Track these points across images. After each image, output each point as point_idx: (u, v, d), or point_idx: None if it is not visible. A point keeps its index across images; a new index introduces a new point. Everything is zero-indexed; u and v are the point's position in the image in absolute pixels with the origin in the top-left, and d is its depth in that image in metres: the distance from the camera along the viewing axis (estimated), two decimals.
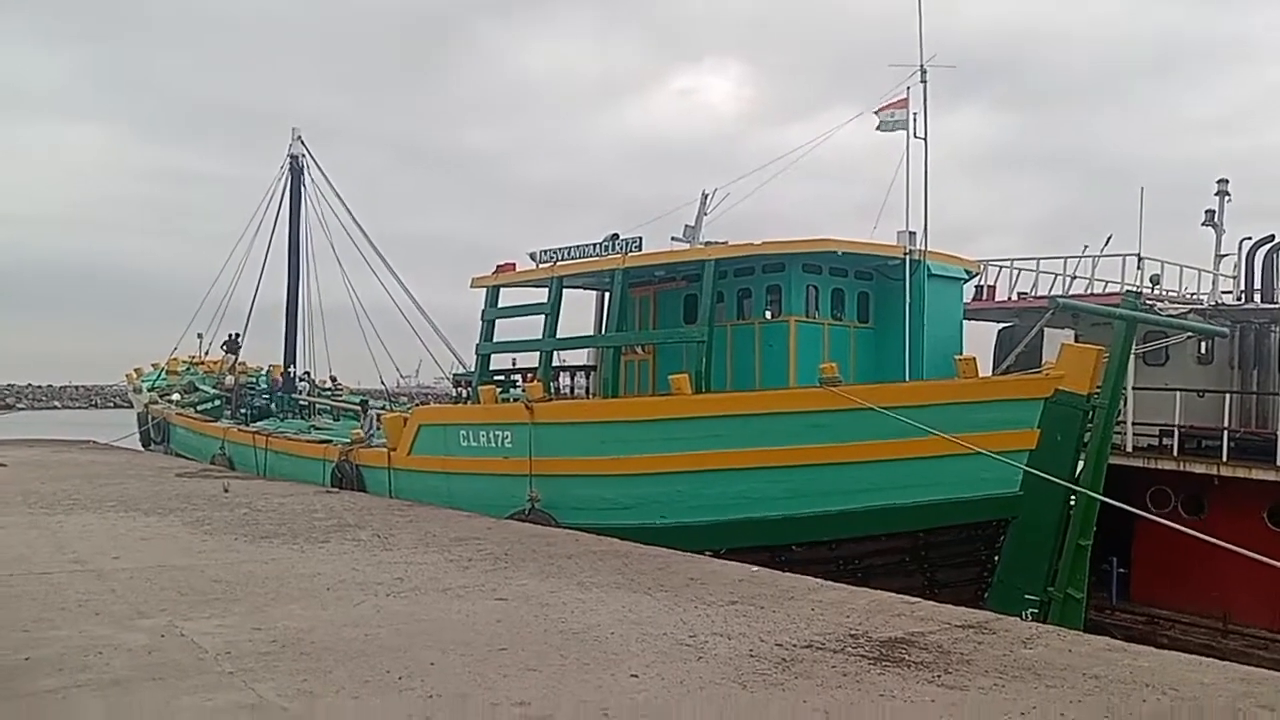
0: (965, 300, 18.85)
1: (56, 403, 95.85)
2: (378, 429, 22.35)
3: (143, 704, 6.00)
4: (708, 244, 18.05)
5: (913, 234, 16.50)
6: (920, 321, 16.28)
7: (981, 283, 23.28)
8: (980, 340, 22.26)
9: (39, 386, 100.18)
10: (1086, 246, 24.12)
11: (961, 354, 14.99)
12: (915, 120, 16.57)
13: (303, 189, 32.05)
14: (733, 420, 14.64)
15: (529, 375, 19.40)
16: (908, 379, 15.75)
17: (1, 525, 13.04)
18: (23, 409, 69.46)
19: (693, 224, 19.73)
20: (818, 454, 13.90)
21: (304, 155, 32.21)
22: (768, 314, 16.94)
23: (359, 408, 26.21)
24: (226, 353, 33.56)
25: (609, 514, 15.44)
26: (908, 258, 16.25)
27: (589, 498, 15.92)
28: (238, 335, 33.09)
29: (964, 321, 18.12)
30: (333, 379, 33.24)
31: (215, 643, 7.52)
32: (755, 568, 11.20)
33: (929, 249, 16.51)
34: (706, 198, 19.71)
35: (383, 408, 27.47)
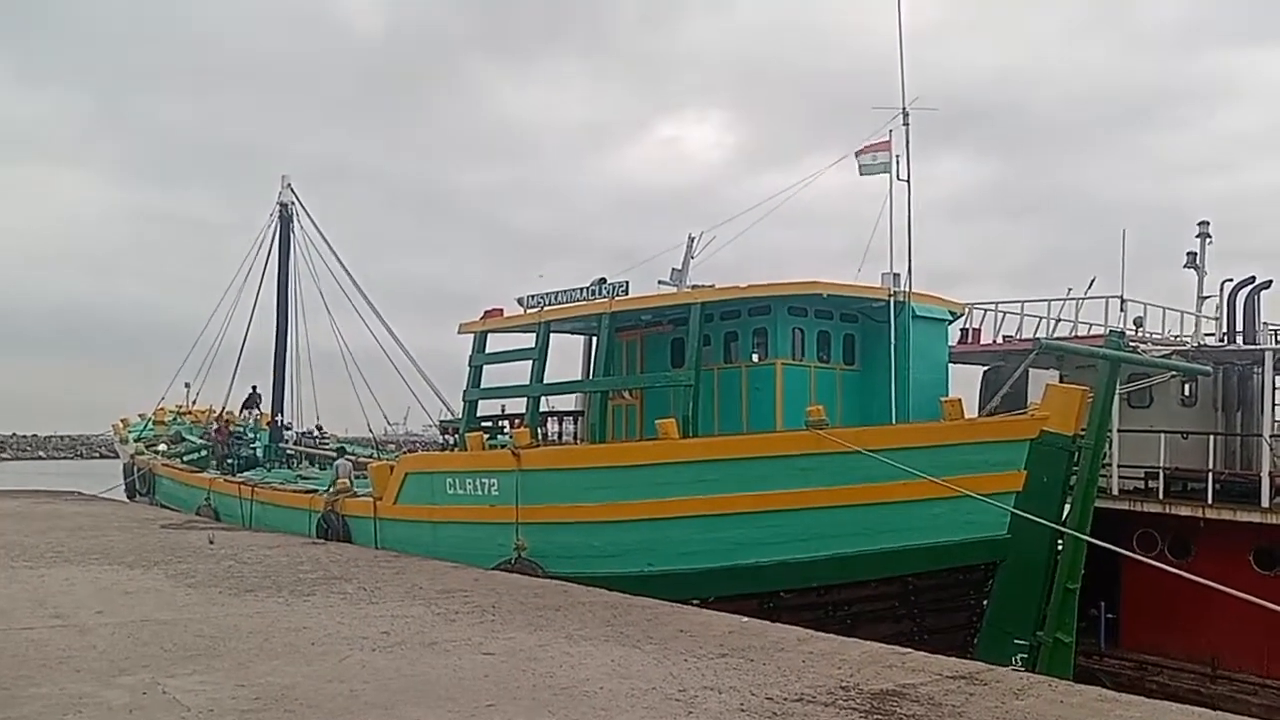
0: (951, 342, 18.94)
1: (41, 452, 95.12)
2: (356, 477, 22.20)
3: None
4: (694, 287, 18.13)
5: (897, 275, 16.59)
6: (906, 363, 16.32)
7: (967, 325, 23.41)
8: (966, 382, 22.37)
9: (24, 436, 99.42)
10: (1070, 289, 24.32)
11: (947, 395, 15.05)
12: (898, 162, 16.73)
13: (291, 236, 32.12)
14: (720, 465, 14.62)
15: (516, 421, 19.36)
16: (894, 421, 15.78)
17: None
18: (7, 459, 68.93)
19: (679, 267, 19.81)
20: (805, 498, 13.88)
21: (293, 203, 32.31)
22: (754, 357, 16.99)
23: (335, 455, 26.04)
24: (244, 408, 33.47)
25: (596, 562, 15.34)
26: (892, 299, 16.33)
27: (576, 545, 15.82)
28: (256, 388, 33.13)
29: (950, 364, 18.19)
30: (318, 428, 33.09)
31: (198, 700, 7.42)
32: (745, 618, 11.13)
33: (914, 290, 16.61)
34: (693, 241, 19.82)
35: (370, 456, 27.34)
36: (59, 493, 32.91)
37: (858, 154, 17.39)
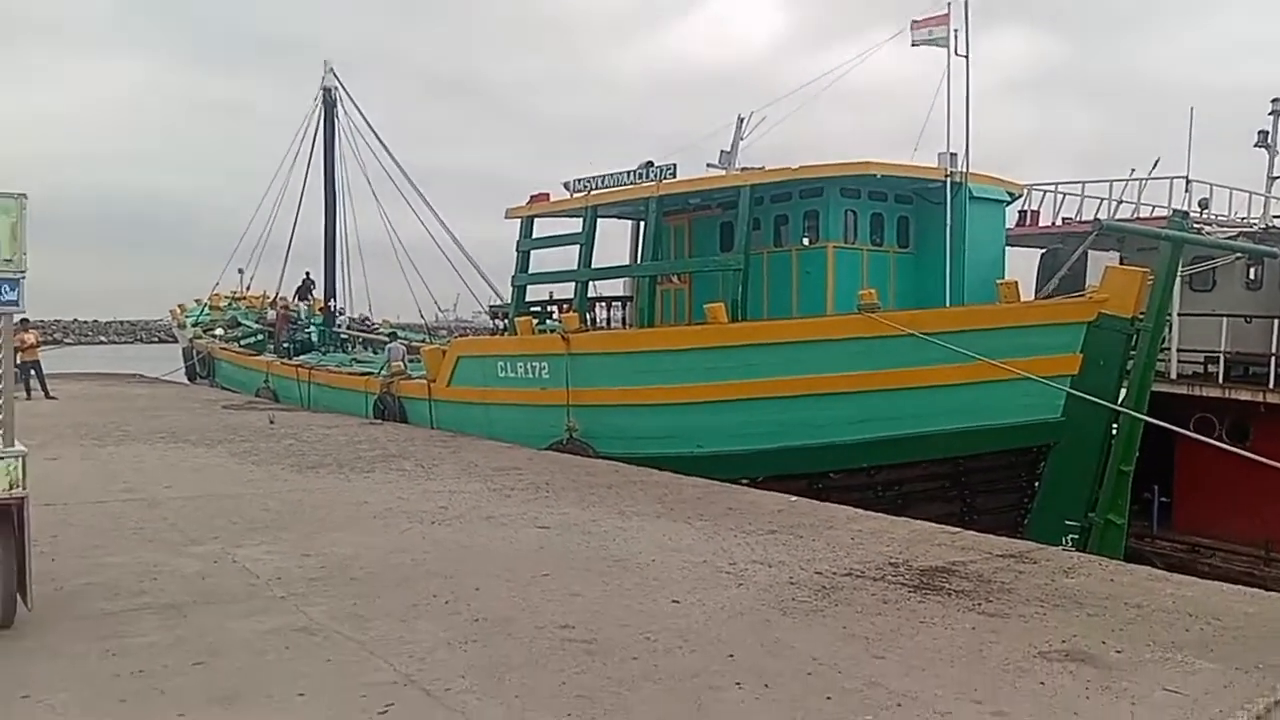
0: (1008, 225, 18.49)
1: (102, 337, 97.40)
2: (411, 361, 22.52)
3: (198, 626, 6.18)
4: (744, 170, 17.79)
5: (954, 156, 16.11)
6: (961, 245, 16.00)
7: (1025, 207, 22.82)
8: (1023, 266, 21.85)
9: (85, 322, 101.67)
10: (1133, 170, 23.52)
11: (1003, 278, 14.77)
12: (956, 37, 16.08)
13: (336, 122, 31.93)
14: (770, 348, 14.57)
15: (565, 306, 19.40)
16: (948, 304, 15.56)
17: (55, 456, 13.36)
18: (70, 343, 70.79)
19: (728, 150, 19.41)
20: (856, 381, 13.83)
21: (337, 88, 32.03)
22: (805, 240, 16.74)
23: (387, 339, 26.37)
24: (298, 295, 33.84)
25: (646, 443, 15.52)
26: (948, 180, 15.90)
27: (626, 427, 16.00)
28: (309, 274, 33.47)
29: (1006, 246, 17.79)
30: (365, 317, 33.43)
31: (266, 568, 7.71)
32: (794, 497, 11.26)
33: (970, 171, 16.16)
34: (742, 122, 19.34)
35: (422, 340, 27.67)
36: (122, 375, 33.86)
37: (913, 27, 16.74)
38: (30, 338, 24.10)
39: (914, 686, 5.25)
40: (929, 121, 16.61)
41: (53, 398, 23.52)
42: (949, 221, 15.84)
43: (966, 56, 15.97)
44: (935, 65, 16.36)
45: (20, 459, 6.07)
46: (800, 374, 14.13)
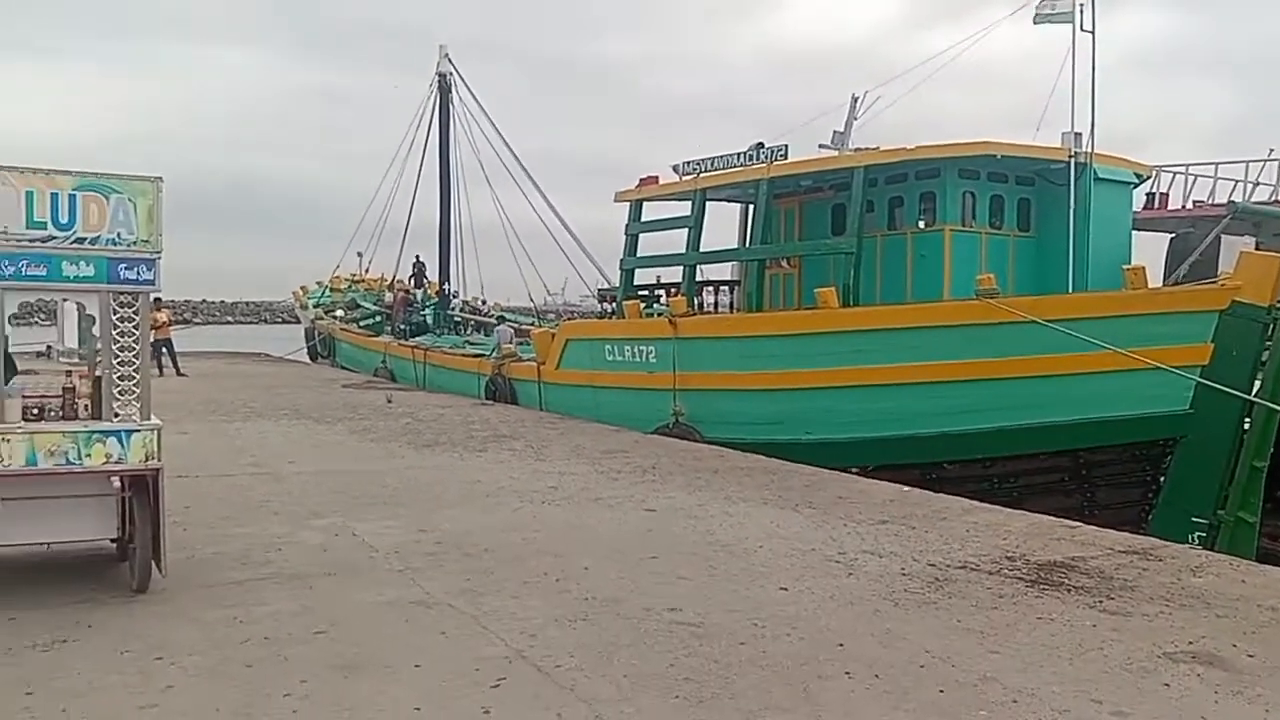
0: (1135, 208, 17.72)
1: (229, 318, 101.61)
2: (517, 343, 22.88)
3: (320, 597, 6.42)
4: (857, 151, 17.45)
5: (1078, 135, 15.48)
6: (1086, 229, 15.38)
7: (1153, 189, 21.85)
8: (1151, 251, 20.97)
9: (212, 302, 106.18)
10: (1271, 150, 22.29)
11: (1130, 264, 14.17)
12: (1081, 12, 15.44)
13: (450, 107, 32.50)
14: (883, 334, 14.29)
15: (673, 290, 19.40)
16: (1071, 290, 15.01)
17: (186, 431, 14.01)
18: (199, 323, 74.16)
19: (841, 130, 19.06)
20: (973, 369, 13.46)
21: (451, 73, 32.57)
22: (921, 223, 16.33)
23: (496, 323, 26.79)
24: (413, 277, 34.72)
25: (754, 429, 15.43)
26: (1073, 160, 15.29)
27: (733, 412, 15.92)
28: (419, 257, 34.32)
29: (1134, 230, 17.06)
30: (473, 298, 34.04)
31: (384, 542, 7.96)
32: (906, 487, 11.06)
33: (1096, 151, 15.52)
34: (856, 101, 18.93)
35: (531, 323, 28.06)
36: (248, 354, 35.31)
37: (1038, 3, 16.13)
38: (163, 316, 25.24)
39: (1030, 683, 5.11)
40: (1052, 100, 16.03)
41: (183, 375, 24.66)
42: (1072, 204, 15.25)
43: (1093, 32, 15.32)
44: (1057, 42, 15.75)
45: (156, 432, 6.39)
46: (914, 361, 13.83)
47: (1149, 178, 18.92)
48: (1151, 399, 12.46)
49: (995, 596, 6.69)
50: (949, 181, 15.76)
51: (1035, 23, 16.06)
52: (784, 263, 18.42)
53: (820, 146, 18.86)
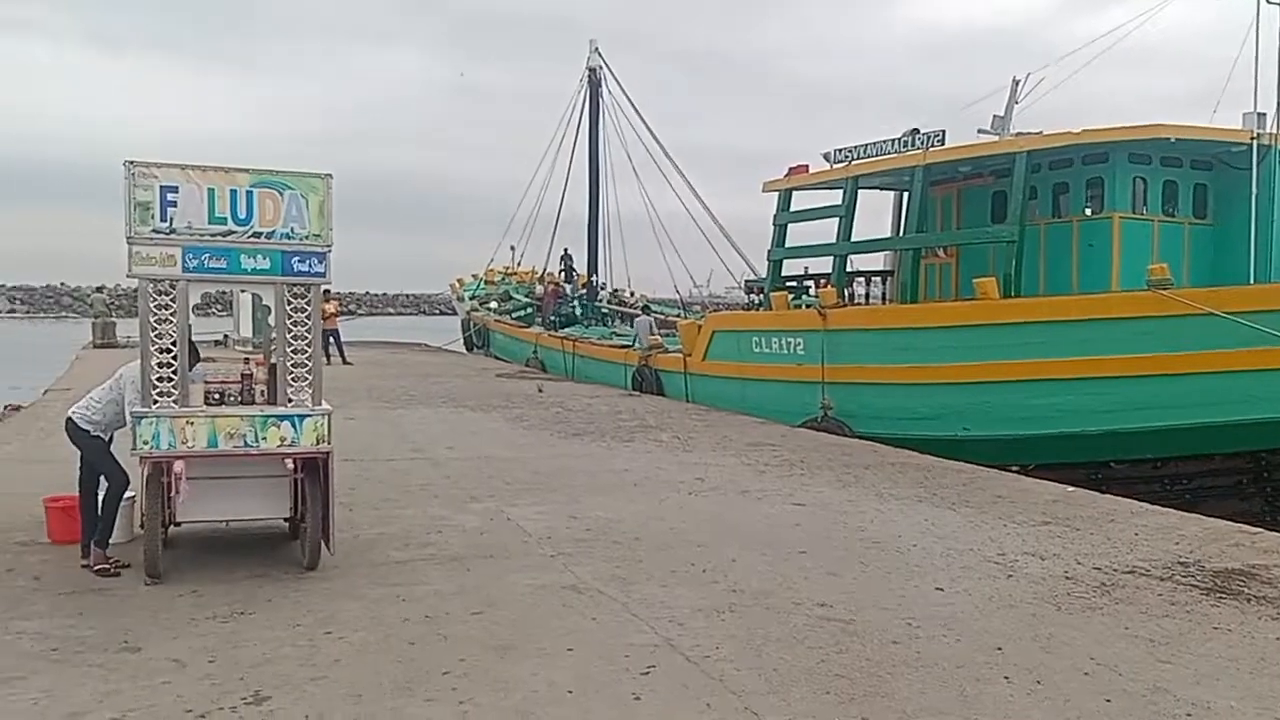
0: None
1: (390, 309, 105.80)
2: (664, 335, 22.98)
3: (478, 578, 6.62)
4: (1019, 135, 16.78)
5: (1262, 116, 14.46)
6: (1270, 216, 14.38)
7: None
8: None
9: (375, 294, 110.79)
10: None
11: None
12: None
13: (600, 101, 32.86)
14: (1047, 327, 13.71)
15: (822, 281, 19.12)
16: (1253, 281, 14.05)
17: (352, 416, 14.66)
18: (362, 314, 77.46)
19: (1001, 114, 18.34)
20: (1144, 364, 12.77)
21: (601, 68, 32.91)
22: (1087, 210, 15.58)
23: (640, 313, 26.91)
24: (562, 270, 35.45)
25: (907, 424, 15.06)
26: (1255, 143, 14.30)
27: (885, 407, 15.59)
28: (567, 250, 35.02)
29: None
30: (617, 290, 34.34)
31: (537, 527, 8.15)
32: (1070, 488, 10.59)
33: None
34: (1018, 85, 18.16)
35: (677, 315, 28.16)
36: (409, 344, 36.71)
37: None
38: (330, 308, 26.44)
39: (1205, 696, 4.82)
40: (1231, 79, 15.00)
41: (349, 363, 25.83)
42: (1255, 189, 14.25)
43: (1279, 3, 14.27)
44: (1237, 17, 14.71)
45: (326, 417, 6.71)
46: (1080, 355, 13.23)
47: None
48: None
49: (1167, 604, 6.34)
50: (1118, 166, 14.98)
51: None
52: (940, 252, 17.91)
53: (979, 132, 18.21)
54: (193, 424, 6.43)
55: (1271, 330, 11.58)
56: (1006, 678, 5.05)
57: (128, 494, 6.98)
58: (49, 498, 7.51)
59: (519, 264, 38.75)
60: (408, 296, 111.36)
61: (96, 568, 6.58)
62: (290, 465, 6.77)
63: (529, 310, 34.19)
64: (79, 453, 6.94)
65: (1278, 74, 14.17)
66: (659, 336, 22.96)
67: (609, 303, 32.96)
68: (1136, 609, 6.23)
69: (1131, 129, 14.63)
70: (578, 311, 32.48)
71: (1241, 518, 9.71)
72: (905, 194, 18.12)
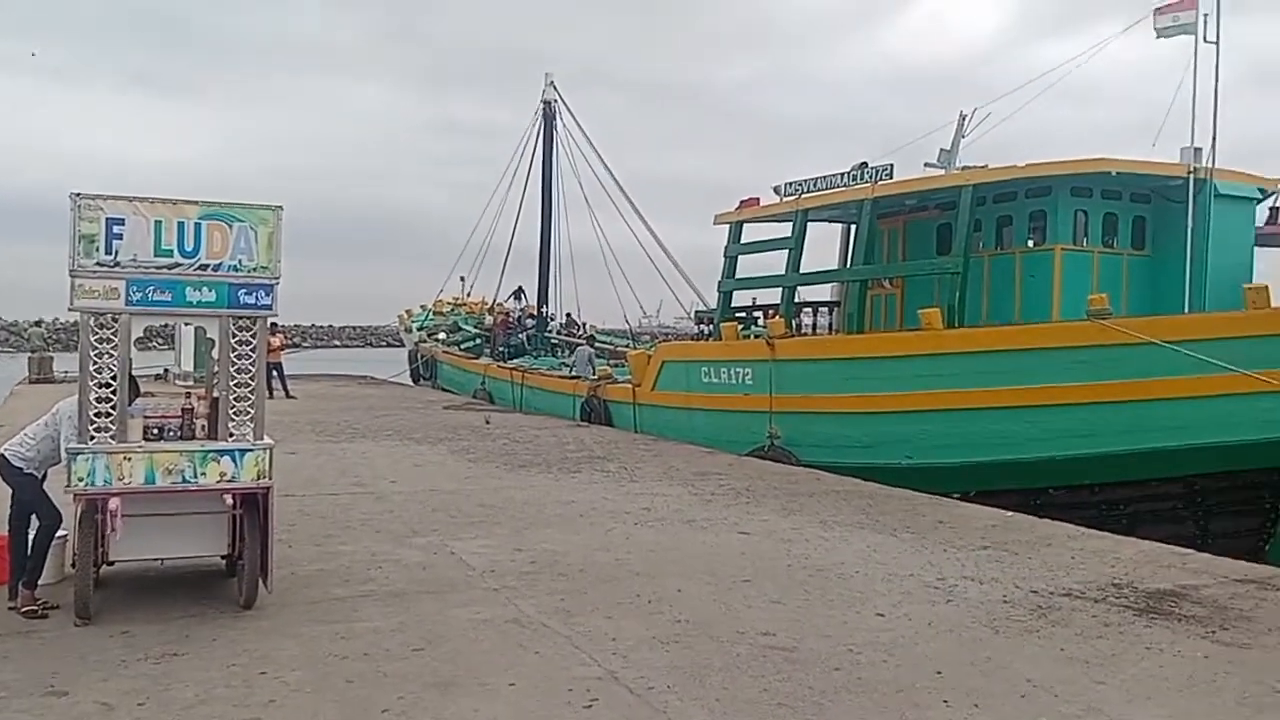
0: (1258, 224, 16.97)
1: (336, 341, 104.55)
2: (614, 365, 23.02)
3: (419, 614, 6.55)
4: (964, 169, 17.13)
5: (1198, 150, 14.92)
6: (1204, 247, 14.79)
7: (1277, 204, 20.85)
8: (1275, 268, 19.98)
9: (321, 326, 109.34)
10: None
11: (1251, 282, 13.56)
12: (1205, 22, 14.90)
13: (555, 134, 33.03)
14: (990, 356, 13.95)
15: (771, 311, 19.31)
16: (1188, 311, 14.43)
17: (294, 451, 14.46)
18: (307, 347, 76.51)
19: (948, 148, 18.71)
20: (1083, 392, 13.04)
21: (556, 101, 33.11)
22: (1030, 242, 15.92)
23: (586, 344, 26.92)
24: (513, 298, 35.28)
25: (851, 453, 15.21)
26: (1191, 176, 14.74)
27: (831, 435, 15.74)
28: (522, 288, 34.90)
29: (1256, 247, 16.32)
30: (568, 315, 34.36)
31: (481, 561, 8.08)
32: (1009, 512, 10.76)
33: (1216, 166, 14.91)
34: (964, 119, 18.54)
35: (627, 345, 28.23)
36: (354, 376, 36.33)
37: (1156, 13, 15.62)
38: (276, 341, 26.11)
39: (1137, 715, 4.91)
40: (1170, 114, 15.46)
41: (292, 397, 25.48)
42: (1190, 221, 14.68)
43: (1216, 43, 14.77)
44: (1176, 55, 15.21)
45: (268, 451, 6.62)
46: (1021, 384, 13.47)
47: (1274, 193, 18.13)
48: (1272, 424, 11.88)
49: (1101, 625, 6.45)
50: (1060, 199, 15.35)
51: (1158, 36, 15.54)
52: (886, 283, 18.17)
53: (926, 165, 18.56)
54: (130, 459, 6.32)
55: (1206, 358, 11.89)
56: (946, 701, 5.10)
57: (60, 533, 6.82)
58: None
59: (469, 295, 38.65)
60: (354, 328, 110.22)
61: (24, 609, 6.41)
62: (229, 501, 6.66)
63: (477, 341, 34.06)
64: (10, 491, 6.78)
65: (1213, 110, 14.66)
66: (608, 367, 22.99)
67: (559, 333, 32.96)
68: (1072, 631, 6.33)
69: (1073, 163, 15.01)
70: (527, 343, 32.43)
71: (1176, 542, 9.90)
72: (853, 226, 18.40)
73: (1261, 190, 16.28)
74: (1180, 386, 12.35)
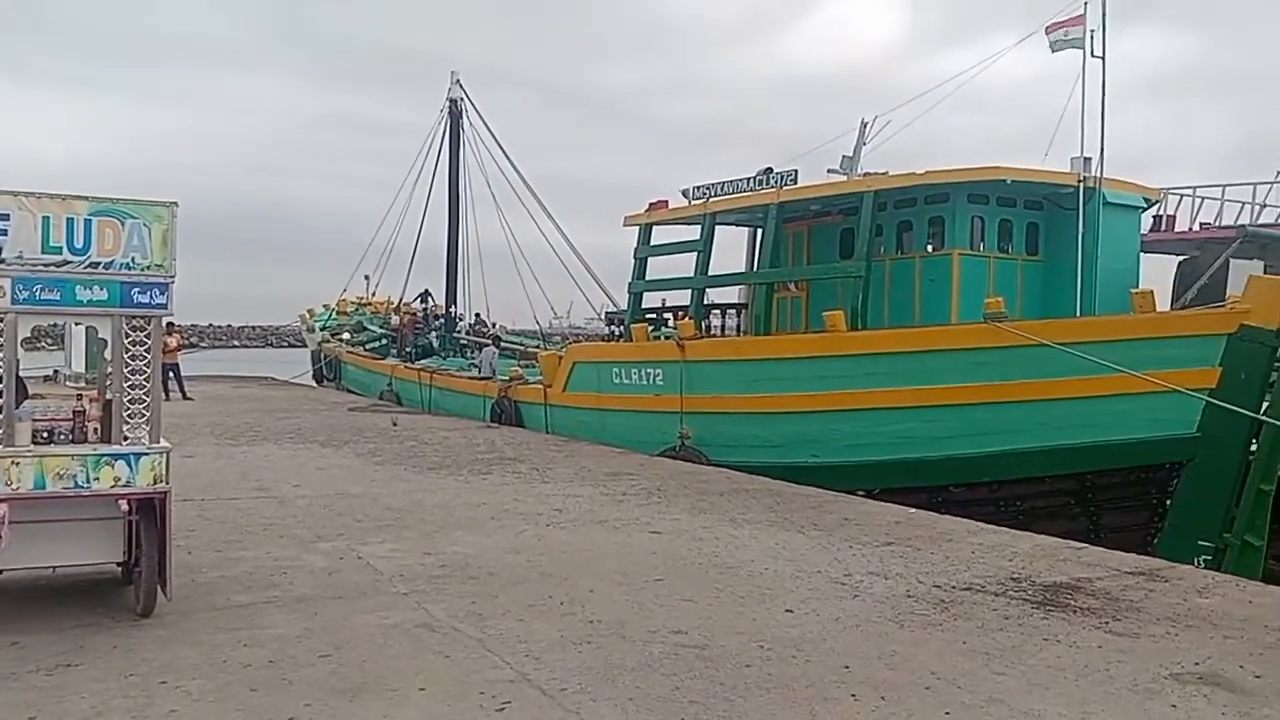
0: (1143, 231, 17.76)
1: (236, 341, 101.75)
2: (525, 366, 22.92)
3: (325, 620, 6.41)
4: (866, 175, 17.53)
5: (1088, 160, 15.58)
6: (1094, 253, 15.44)
7: (1161, 213, 21.86)
8: (1159, 274, 20.96)
9: (220, 326, 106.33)
10: (1279, 172, 22.31)
11: (1138, 287, 14.19)
12: (1092, 37, 15.56)
13: (461, 132, 32.71)
14: (890, 358, 14.31)
15: (681, 313, 19.46)
16: (1079, 314, 15.03)
17: (192, 455, 14.03)
18: (205, 347, 74.33)
19: (850, 155, 19.15)
20: (980, 392, 13.47)
21: (462, 99, 32.79)
22: (929, 247, 16.39)
23: (492, 344, 26.77)
24: (419, 301, 34.74)
25: (760, 452, 15.43)
26: (1081, 185, 15.37)
27: (740, 435, 15.93)
28: (429, 291, 34.39)
29: (1141, 254, 17.09)
30: (476, 315, 34.08)
31: (389, 565, 7.95)
32: (912, 509, 11.03)
33: (1105, 176, 15.57)
34: (866, 126, 19.03)
35: (537, 346, 28.12)
36: (254, 378, 35.40)
37: (1048, 30, 16.27)
38: (172, 341, 25.30)
39: (1037, 705, 5.08)
40: (1061, 124, 16.10)
41: (189, 399, 24.72)
42: (1081, 228, 15.30)
43: (1103, 57, 15.42)
44: (1066, 67, 15.84)
45: (164, 455, 6.41)
46: (921, 384, 13.85)
47: (1157, 201, 18.98)
48: (1159, 422, 12.44)
49: (1001, 618, 6.66)
50: (958, 206, 15.83)
51: (1052, 50, 16.15)
52: (792, 286, 18.49)
53: (829, 171, 18.96)
54: (18, 464, 6.04)
55: (1097, 360, 12.38)
56: (854, 695, 5.21)
57: None
58: None
59: (374, 294, 38.01)
60: (255, 328, 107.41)
61: None
62: (124, 507, 6.42)
63: (383, 341, 33.52)
64: None
65: (1101, 122, 15.30)
66: (519, 368, 22.85)
67: (467, 333, 32.64)
68: (974, 624, 6.53)
69: (971, 170, 15.50)
70: (435, 343, 32.04)
71: (1069, 537, 10.29)
72: (760, 230, 18.67)
73: (1146, 199, 17.06)
74: (1072, 387, 12.84)
